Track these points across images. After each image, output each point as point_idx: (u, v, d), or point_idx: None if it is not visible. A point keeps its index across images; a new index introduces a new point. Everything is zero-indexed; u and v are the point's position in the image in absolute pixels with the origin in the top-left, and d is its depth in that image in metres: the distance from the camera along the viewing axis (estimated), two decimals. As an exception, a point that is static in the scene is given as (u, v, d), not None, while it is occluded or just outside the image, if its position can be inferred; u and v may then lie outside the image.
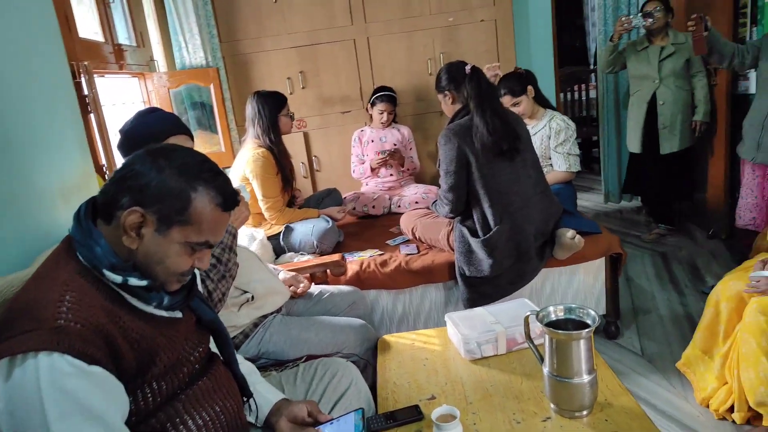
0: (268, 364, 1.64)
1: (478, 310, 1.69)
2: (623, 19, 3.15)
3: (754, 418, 1.80)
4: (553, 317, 1.28)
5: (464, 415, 1.27)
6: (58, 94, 1.68)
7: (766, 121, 2.57)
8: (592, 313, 1.25)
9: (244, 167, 2.51)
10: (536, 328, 1.43)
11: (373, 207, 3.09)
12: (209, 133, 3.19)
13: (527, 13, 3.75)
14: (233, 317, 1.60)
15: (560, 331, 1.20)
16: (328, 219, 2.57)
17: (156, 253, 0.92)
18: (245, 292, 1.63)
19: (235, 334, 1.61)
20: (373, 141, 3.25)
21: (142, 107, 2.85)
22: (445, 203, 2.18)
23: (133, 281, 0.89)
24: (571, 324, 1.28)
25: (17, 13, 1.52)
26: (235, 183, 2.58)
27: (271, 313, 1.70)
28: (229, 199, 0.97)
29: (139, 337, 0.89)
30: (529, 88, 2.64)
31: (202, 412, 0.97)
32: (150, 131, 1.46)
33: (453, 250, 2.26)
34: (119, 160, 2.15)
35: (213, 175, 0.96)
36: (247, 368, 1.26)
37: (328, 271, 2.11)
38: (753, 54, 2.68)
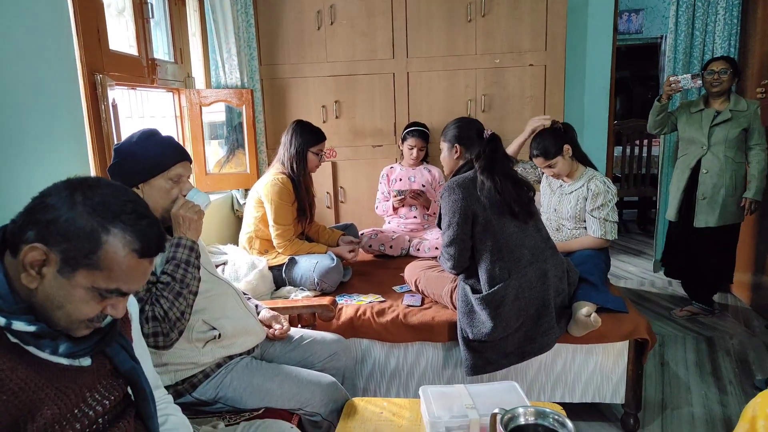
0: (223, 410, 1.52)
1: (459, 387, 1.50)
2: (671, 79, 2.95)
3: None
4: (521, 421, 1.09)
5: None
6: (63, 105, 1.68)
7: None
8: (569, 424, 1.05)
9: (262, 189, 2.47)
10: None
11: (391, 247, 2.95)
12: (241, 153, 3.19)
13: (584, 62, 3.54)
14: (196, 354, 1.50)
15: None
16: (334, 257, 2.45)
17: (57, 297, 0.83)
18: (213, 328, 1.53)
19: (195, 373, 1.50)
20: (401, 179, 3.13)
21: (173, 122, 2.89)
22: (447, 258, 2.03)
23: (18, 325, 0.80)
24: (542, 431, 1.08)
25: (30, 20, 1.53)
26: (250, 203, 2.55)
27: (239, 354, 1.59)
28: (150, 245, 0.88)
29: (18, 389, 0.80)
30: (566, 147, 2.43)
31: None
32: (153, 157, 1.42)
33: (456, 308, 2.08)
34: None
35: (135, 218, 0.86)
36: (176, 423, 1.14)
37: (316, 314, 1.98)
38: None
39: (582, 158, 2.55)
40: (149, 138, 1.45)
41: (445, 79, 3.30)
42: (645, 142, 5.04)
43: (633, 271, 4.08)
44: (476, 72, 3.29)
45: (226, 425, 1.37)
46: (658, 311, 3.32)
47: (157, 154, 1.43)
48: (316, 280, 2.34)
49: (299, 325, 1.96)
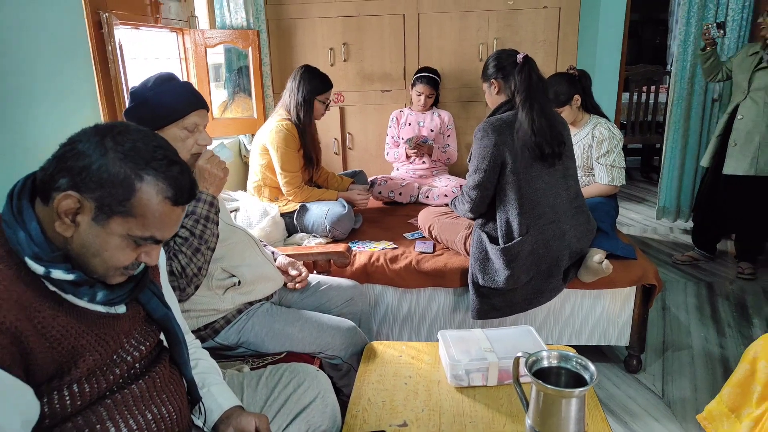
0: (246, 354, 1.57)
1: (476, 332, 1.54)
2: (704, 28, 2.86)
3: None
4: (545, 364, 1.13)
5: (430, 454, 1.15)
6: (71, 45, 1.63)
7: None
8: (592, 367, 1.09)
9: (266, 136, 2.43)
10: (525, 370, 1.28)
11: (400, 194, 2.95)
12: (246, 97, 3.13)
13: (598, 4, 3.42)
14: (216, 300, 1.53)
15: (549, 386, 1.05)
16: (345, 204, 2.46)
17: (93, 245, 0.83)
18: (232, 275, 1.55)
19: (216, 319, 1.54)
20: (410, 124, 3.09)
21: (178, 64, 2.81)
22: (467, 200, 2.02)
23: (57, 274, 0.81)
24: (564, 374, 1.12)
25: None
26: (255, 150, 2.52)
27: (258, 301, 1.62)
28: (183, 192, 0.87)
29: (60, 336, 0.81)
30: (576, 97, 2.38)
31: (129, 420, 0.89)
32: (167, 104, 1.36)
33: (469, 255, 2.11)
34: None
35: (167, 164, 0.85)
36: (206, 367, 1.18)
37: (331, 260, 2.00)
38: None
39: (593, 108, 2.51)
40: (165, 83, 1.39)
41: (457, 21, 3.19)
42: (653, 88, 4.95)
43: (636, 218, 4.12)
44: (489, 14, 3.18)
45: (251, 369, 1.42)
46: (660, 257, 3.37)
47: (173, 101, 1.37)
48: (328, 227, 2.36)
49: (314, 272, 1.99)
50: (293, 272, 1.76)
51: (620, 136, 2.42)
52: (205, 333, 1.53)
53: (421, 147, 2.96)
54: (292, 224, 2.43)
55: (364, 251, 2.25)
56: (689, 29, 3.39)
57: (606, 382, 2.19)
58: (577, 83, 2.40)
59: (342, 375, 1.62)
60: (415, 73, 3.04)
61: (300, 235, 2.39)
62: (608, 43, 3.49)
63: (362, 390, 1.39)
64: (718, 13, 3.32)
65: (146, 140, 0.85)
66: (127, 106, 1.39)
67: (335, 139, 3.35)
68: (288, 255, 1.86)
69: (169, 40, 2.75)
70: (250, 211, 2.33)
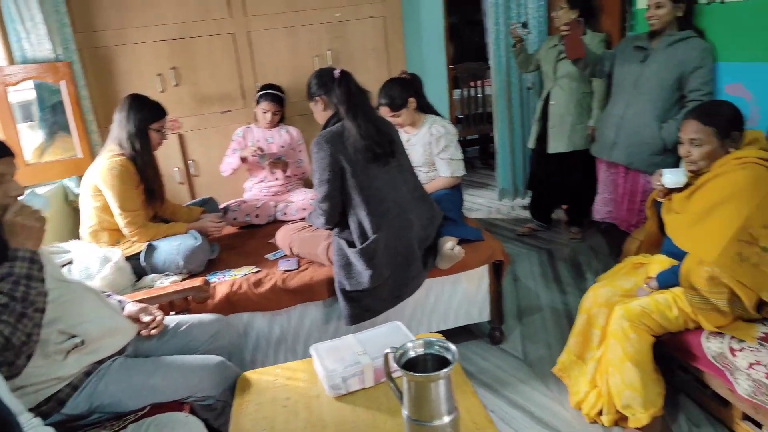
0: (102, 419, 1.42)
1: (347, 339, 1.57)
2: (511, 27, 3.26)
3: (621, 419, 1.86)
4: (412, 354, 1.19)
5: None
6: None
7: (619, 122, 2.70)
8: (452, 347, 1.17)
9: (98, 175, 2.22)
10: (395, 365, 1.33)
11: (257, 216, 2.88)
12: (66, 136, 2.81)
13: (418, 11, 3.68)
14: (57, 367, 1.36)
15: (417, 374, 1.11)
16: (197, 235, 2.33)
17: None
18: (73, 336, 1.39)
19: (60, 387, 1.37)
20: (258, 141, 3.03)
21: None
22: (320, 213, 2.07)
23: None
24: (430, 360, 1.19)
25: None
26: (85, 193, 2.29)
27: (109, 357, 1.47)
28: None
29: None
30: (411, 99, 2.54)
31: None
32: None
33: (333, 264, 2.14)
34: None
35: None
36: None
37: (189, 297, 1.89)
38: (611, 61, 2.81)
39: (427, 108, 2.70)
40: None
41: (289, 36, 3.21)
42: (479, 83, 5.46)
43: (481, 202, 4.50)
44: (319, 27, 3.25)
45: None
46: (506, 234, 3.73)
47: None
48: (181, 262, 2.22)
49: (172, 313, 1.86)
50: (146, 318, 1.63)
51: (454, 131, 2.63)
52: (47, 407, 1.35)
53: (276, 164, 2.92)
54: (139, 267, 2.24)
55: (224, 281, 2.16)
56: (499, 28, 3.82)
57: (475, 358, 2.36)
58: (410, 86, 2.56)
59: (217, 414, 1.54)
60: (259, 90, 3.00)
61: (151, 276, 2.21)
62: (432, 45, 3.76)
63: (240, 424, 1.34)
64: (520, 12, 3.78)
65: None
66: None
67: (177, 168, 3.17)
68: (138, 300, 1.72)
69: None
70: (88, 260, 2.11)
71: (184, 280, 2.19)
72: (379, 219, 2.02)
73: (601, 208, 3.00)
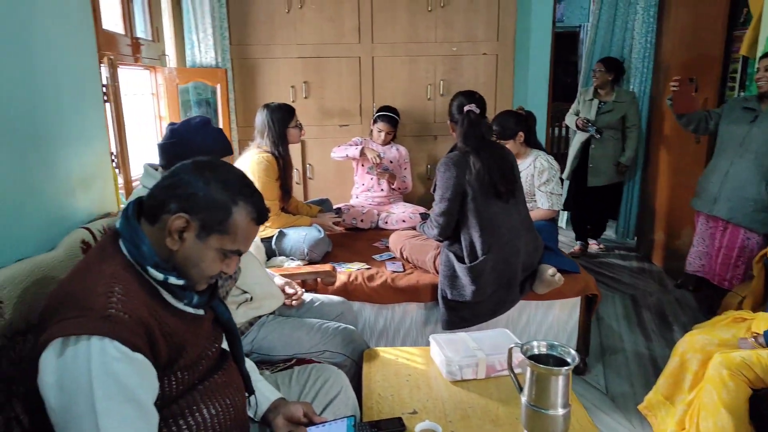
0: (256, 360, 1.70)
1: (461, 335, 1.78)
2: (578, 122, 3.86)
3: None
4: (536, 351, 1.38)
5: (445, 432, 1.35)
6: (86, 86, 1.72)
7: (723, 179, 2.77)
8: (573, 352, 1.35)
9: (247, 168, 2.58)
10: (517, 359, 1.53)
11: (362, 221, 3.17)
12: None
13: (528, 50, 3.91)
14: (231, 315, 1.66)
15: (542, 366, 1.30)
16: (320, 229, 2.64)
17: (193, 257, 1.00)
18: (245, 292, 1.69)
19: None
20: (374, 152, 3.33)
21: (151, 99, 2.90)
22: (435, 226, 2.27)
23: (173, 280, 0.98)
24: (551, 359, 1.38)
25: (56, 6, 1.55)
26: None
27: (265, 315, 1.76)
28: (263, 214, 1.07)
29: (171, 331, 0.97)
30: (520, 134, 2.75)
31: (215, 403, 1.06)
32: (208, 147, 1.53)
33: (438, 272, 2.36)
34: (134, 151, 2.20)
35: (251, 192, 1.05)
36: (249, 366, 1.32)
37: (318, 279, 2.17)
38: (715, 120, 2.89)
39: (534, 144, 2.90)
40: (206, 127, 1.57)
41: (408, 64, 3.53)
42: (563, 124, 5.59)
43: (563, 240, 4.59)
44: (435, 59, 3.55)
45: (271, 372, 1.56)
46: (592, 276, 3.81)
47: (210, 144, 1.56)
48: (306, 250, 2.53)
49: (303, 290, 2.14)
50: (290, 291, 1.92)
51: (557, 167, 2.82)
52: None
53: (383, 174, 3.21)
54: (270, 249, 2.57)
55: (342, 271, 2.43)
56: (590, 68, 4.06)
57: (558, 381, 2.48)
58: (524, 122, 2.78)
59: (345, 372, 1.79)
60: (377, 111, 3.32)
61: (279, 258, 2.53)
62: (537, 84, 3.98)
63: (371, 386, 1.57)
64: (622, 49, 4.10)
65: (233, 173, 1.05)
66: (161, 140, 1.53)
67: (297, 169, 3.53)
68: (283, 275, 2.01)
69: (142, 78, 2.84)
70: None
71: (305, 265, 2.49)
72: (491, 241, 2.19)
73: (694, 261, 3.03)
